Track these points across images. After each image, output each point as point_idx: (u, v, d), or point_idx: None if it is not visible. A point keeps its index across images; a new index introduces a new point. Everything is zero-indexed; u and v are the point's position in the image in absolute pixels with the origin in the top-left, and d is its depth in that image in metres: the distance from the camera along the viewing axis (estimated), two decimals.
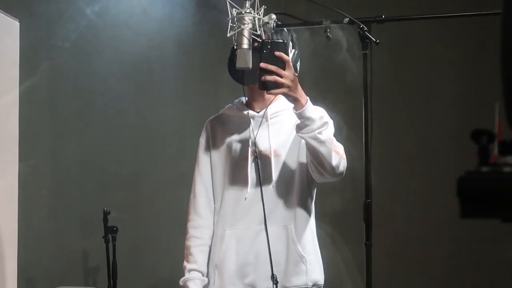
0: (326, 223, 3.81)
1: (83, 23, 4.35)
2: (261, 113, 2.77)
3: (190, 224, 2.81)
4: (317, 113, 2.56)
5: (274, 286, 2.68)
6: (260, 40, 2.52)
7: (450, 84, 4.57)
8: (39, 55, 4.33)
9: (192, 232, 2.80)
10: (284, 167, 2.73)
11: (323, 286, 2.80)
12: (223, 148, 2.79)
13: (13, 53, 2.85)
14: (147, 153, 4.59)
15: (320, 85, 4.07)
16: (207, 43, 4.49)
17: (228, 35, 2.49)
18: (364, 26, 2.53)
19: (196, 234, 2.79)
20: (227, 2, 2.48)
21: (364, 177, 2.51)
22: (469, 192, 1.26)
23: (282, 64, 2.52)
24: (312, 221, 2.78)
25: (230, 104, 2.86)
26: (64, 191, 4.46)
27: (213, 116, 2.87)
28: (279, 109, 2.77)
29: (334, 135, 2.67)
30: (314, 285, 2.75)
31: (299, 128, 2.56)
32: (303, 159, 2.72)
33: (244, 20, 2.47)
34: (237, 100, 2.85)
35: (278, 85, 2.50)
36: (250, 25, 2.48)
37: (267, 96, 2.78)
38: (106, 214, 3.98)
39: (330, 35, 2.59)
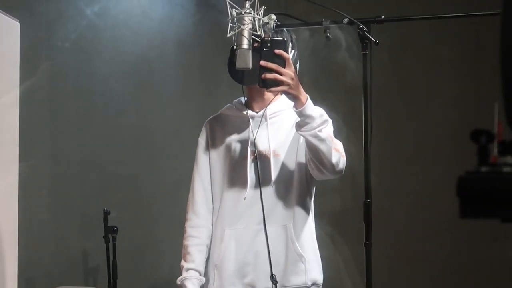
0: (325, 223, 3.81)
1: (83, 23, 4.35)
2: (260, 113, 2.77)
3: (188, 224, 2.81)
4: (317, 111, 2.56)
5: (274, 285, 2.68)
6: (260, 40, 2.53)
7: (449, 84, 4.57)
8: (39, 55, 4.33)
9: (190, 232, 2.80)
10: (283, 167, 2.73)
11: (322, 286, 2.81)
12: (222, 148, 2.79)
13: (13, 53, 2.85)
14: (147, 153, 4.59)
15: (320, 85, 4.07)
16: (207, 43, 4.49)
17: (228, 35, 2.49)
18: (364, 27, 2.53)
19: (194, 233, 2.79)
20: (227, 3, 2.49)
21: (364, 177, 2.52)
22: (468, 192, 1.27)
23: (282, 62, 2.52)
24: (311, 220, 2.79)
25: (229, 104, 2.87)
26: (64, 191, 4.46)
27: (212, 116, 2.88)
28: (278, 109, 2.78)
29: (334, 135, 2.67)
30: (313, 284, 2.75)
31: (299, 126, 2.56)
32: (302, 158, 2.72)
33: (244, 20, 2.47)
34: (236, 100, 2.85)
35: (278, 83, 2.50)
36: (250, 26, 2.48)
37: (266, 96, 2.78)
38: (106, 214, 3.99)
39: (330, 36, 2.59)
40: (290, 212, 2.72)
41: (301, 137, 2.70)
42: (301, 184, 2.73)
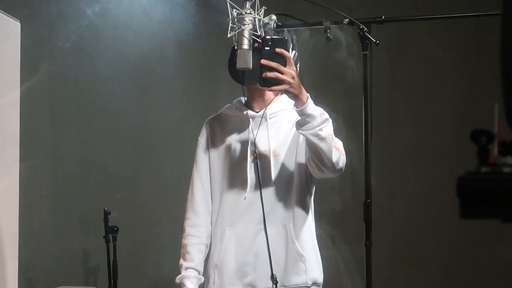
0: (326, 223, 3.82)
1: (84, 24, 4.35)
2: (260, 113, 2.78)
3: (187, 223, 2.81)
4: (318, 110, 2.56)
5: (274, 285, 2.69)
6: (261, 40, 2.53)
7: (449, 84, 4.58)
8: (40, 55, 4.33)
9: (189, 231, 2.80)
10: (283, 166, 2.74)
11: (322, 285, 2.81)
12: (222, 147, 2.79)
13: (14, 54, 2.85)
14: (147, 154, 4.60)
15: (320, 85, 4.08)
16: (207, 44, 4.49)
17: (229, 35, 2.50)
18: (364, 27, 2.53)
19: (193, 232, 2.79)
20: (228, 3, 2.49)
21: (364, 177, 2.52)
22: (468, 192, 1.27)
23: (283, 61, 2.52)
24: (311, 219, 2.79)
25: (229, 104, 2.87)
26: (64, 191, 4.47)
27: (212, 116, 2.88)
28: (278, 109, 2.78)
29: (334, 134, 2.67)
30: (313, 283, 2.75)
31: (299, 125, 2.56)
32: (302, 158, 2.73)
33: (245, 20, 2.48)
34: (236, 100, 2.85)
35: (279, 82, 2.50)
36: (251, 26, 2.48)
37: (266, 96, 2.79)
38: (106, 214, 3.99)
39: (330, 36, 2.59)
40: (290, 212, 2.72)
41: (301, 137, 2.70)
42: (301, 184, 2.74)
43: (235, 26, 2.49)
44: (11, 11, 2.82)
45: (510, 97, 1.29)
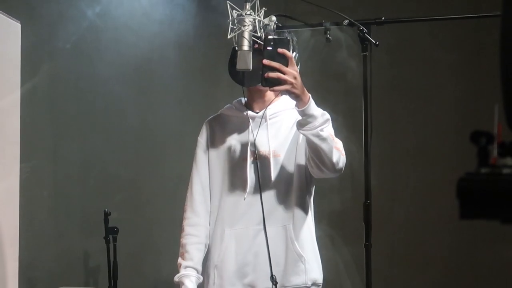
0: (325, 224, 3.82)
1: (84, 25, 4.36)
2: (260, 113, 2.78)
3: (186, 222, 2.81)
4: (319, 110, 2.57)
5: (273, 286, 2.69)
6: (262, 39, 2.53)
7: (449, 85, 4.58)
8: (41, 56, 4.34)
9: (188, 230, 2.80)
10: (283, 167, 2.74)
11: (322, 285, 2.82)
12: (222, 148, 2.80)
13: (14, 55, 2.86)
14: (148, 155, 4.60)
15: (320, 86, 4.08)
16: (207, 45, 4.50)
17: (229, 37, 2.50)
18: (364, 28, 2.54)
19: (193, 232, 2.79)
20: (228, 4, 2.50)
21: (364, 178, 2.52)
22: (468, 194, 1.27)
23: (285, 61, 2.51)
24: (311, 220, 2.79)
25: (229, 105, 2.87)
26: (65, 192, 4.47)
27: (212, 116, 2.88)
28: (278, 110, 2.78)
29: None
30: (313, 284, 2.76)
31: (300, 125, 2.56)
32: (301, 158, 2.73)
33: (245, 22, 2.48)
34: (236, 101, 2.86)
35: (281, 82, 2.50)
36: (251, 27, 2.49)
37: (266, 97, 2.79)
38: (106, 215, 3.99)
39: (330, 37, 2.59)
40: (290, 213, 2.73)
41: (300, 137, 2.70)
42: (301, 184, 2.74)
43: (235, 27, 2.49)
44: (11, 12, 2.83)
45: (510, 98, 1.29)
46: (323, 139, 2.55)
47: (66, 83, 4.48)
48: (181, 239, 2.81)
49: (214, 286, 2.76)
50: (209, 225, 2.81)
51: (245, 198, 2.73)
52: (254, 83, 2.66)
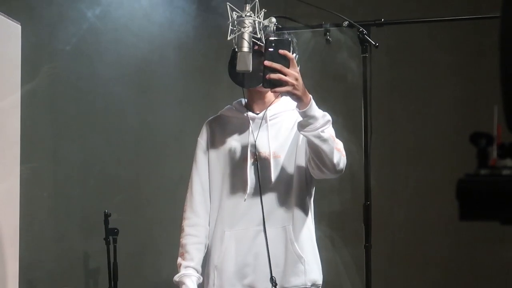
0: (325, 225, 3.82)
1: (84, 26, 4.36)
2: (261, 114, 2.78)
3: (186, 222, 2.81)
4: (320, 111, 2.57)
5: (273, 287, 2.69)
6: (262, 41, 2.53)
7: (449, 87, 4.58)
8: (41, 58, 4.34)
9: (188, 230, 2.80)
10: (283, 168, 2.74)
11: (322, 286, 2.82)
12: (222, 149, 2.80)
13: (14, 56, 2.86)
14: (148, 156, 4.60)
15: (320, 87, 4.09)
16: (207, 46, 4.50)
17: (229, 38, 2.50)
18: (364, 30, 2.54)
19: (193, 232, 2.79)
20: (228, 6, 2.50)
21: (364, 179, 2.52)
22: (468, 195, 1.27)
23: (286, 62, 2.51)
24: (311, 221, 2.80)
25: (229, 106, 2.87)
26: (65, 193, 4.47)
27: (212, 117, 2.88)
28: (278, 111, 2.78)
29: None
30: (312, 285, 2.76)
31: (301, 126, 2.57)
32: (301, 159, 2.73)
33: (245, 23, 2.49)
34: (236, 101, 2.86)
35: (282, 83, 2.50)
36: (251, 29, 2.49)
37: (266, 98, 2.80)
38: (107, 216, 3.98)
39: (330, 38, 2.59)
40: (290, 214, 2.73)
41: (300, 138, 2.71)
42: (301, 185, 2.74)
43: (235, 28, 2.50)
44: (12, 14, 2.83)
45: (509, 99, 1.29)
46: (324, 140, 2.55)
47: (66, 84, 4.48)
48: (181, 239, 2.81)
49: (214, 287, 2.76)
50: (209, 225, 2.81)
51: (245, 199, 2.73)
52: (254, 85, 2.66)
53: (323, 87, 4.20)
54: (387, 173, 4.45)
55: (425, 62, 4.58)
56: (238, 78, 2.67)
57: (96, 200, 4.40)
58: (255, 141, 2.75)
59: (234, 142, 2.78)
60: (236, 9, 2.50)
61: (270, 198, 2.73)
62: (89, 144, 4.49)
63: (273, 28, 2.57)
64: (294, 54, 2.71)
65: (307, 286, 2.75)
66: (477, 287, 4.47)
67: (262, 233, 2.72)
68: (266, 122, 2.76)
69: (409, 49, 4.58)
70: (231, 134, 2.80)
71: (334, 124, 2.69)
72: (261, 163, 2.73)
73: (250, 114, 2.78)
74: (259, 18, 2.52)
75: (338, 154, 2.60)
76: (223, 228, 2.76)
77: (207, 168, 2.82)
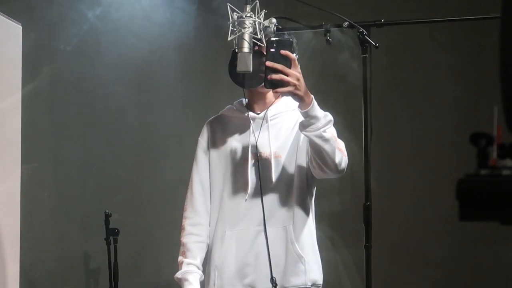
0: (325, 225, 3.82)
1: (85, 27, 4.36)
2: (261, 114, 2.79)
3: (188, 222, 2.81)
4: (322, 112, 2.57)
5: (273, 287, 2.70)
6: (263, 41, 2.53)
7: (449, 87, 4.59)
8: (41, 58, 4.34)
9: (190, 229, 2.79)
10: (284, 168, 2.75)
11: (322, 286, 2.82)
12: (222, 149, 2.80)
13: (15, 57, 2.86)
14: (148, 156, 4.60)
15: (320, 88, 4.09)
16: (208, 47, 4.50)
17: (229, 39, 2.51)
18: (364, 30, 2.54)
19: (195, 231, 2.79)
20: (228, 6, 2.50)
21: (364, 180, 2.53)
22: (468, 195, 1.28)
23: (288, 62, 2.52)
24: (311, 220, 2.80)
25: (230, 105, 2.88)
26: (66, 194, 4.47)
27: (213, 117, 2.89)
28: (278, 111, 2.79)
29: None
30: (313, 284, 2.76)
31: (303, 126, 2.57)
32: (302, 159, 2.74)
33: (245, 24, 2.49)
34: (237, 101, 2.86)
35: (284, 83, 2.50)
36: (251, 29, 2.49)
37: (267, 98, 2.80)
38: (107, 216, 3.98)
39: (330, 39, 2.60)
40: (290, 213, 2.73)
41: (301, 138, 2.71)
42: (301, 185, 2.75)
43: (235, 29, 2.50)
44: (12, 14, 2.84)
45: (509, 100, 1.30)
46: (326, 140, 2.55)
47: (67, 84, 4.49)
48: (181, 238, 2.81)
49: (215, 286, 2.76)
50: (209, 225, 2.82)
51: (246, 199, 2.74)
52: (255, 85, 2.67)
53: (323, 87, 4.20)
54: (387, 173, 4.45)
55: (425, 62, 4.58)
56: (238, 78, 2.67)
57: (97, 200, 4.40)
58: (256, 141, 2.75)
59: (235, 142, 2.79)
60: (237, 9, 2.50)
61: (271, 198, 2.73)
62: (90, 144, 4.49)
63: (274, 29, 2.57)
64: (294, 54, 2.71)
65: (307, 286, 2.75)
66: (477, 287, 4.47)
67: (263, 233, 2.72)
68: (267, 122, 2.77)
69: (409, 49, 4.58)
70: (232, 134, 2.80)
71: (334, 124, 2.69)
72: (262, 163, 2.73)
73: (251, 114, 2.79)
74: (260, 19, 2.52)
75: (340, 154, 2.60)
76: (224, 228, 2.76)
77: (207, 168, 2.82)
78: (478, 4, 4.07)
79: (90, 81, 4.48)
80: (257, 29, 2.51)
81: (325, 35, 2.59)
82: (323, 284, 2.82)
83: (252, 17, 2.50)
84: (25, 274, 3.65)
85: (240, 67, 2.49)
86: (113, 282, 4.01)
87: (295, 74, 2.50)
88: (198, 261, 2.76)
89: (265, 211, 2.71)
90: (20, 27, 2.87)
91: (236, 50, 2.52)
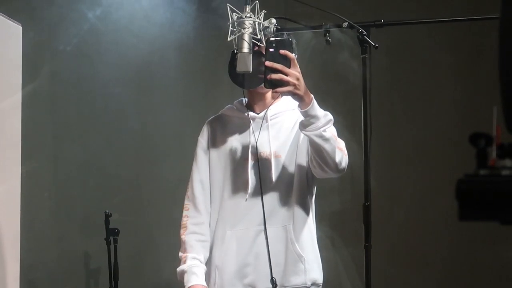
0: (325, 225, 3.83)
1: (85, 27, 4.37)
2: (261, 114, 2.79)
3: (191, 221, 2.80)
4: (322, 111, 2.57)
5: (273, 287, 2.70)
6: (262, 42, 2.53)
7: (448, 87, 4.59)
8: (42, 58, 4.34)
9: (193, 228, 2.79)
10: (284, 168, 2.75)
11: (322, 286, 2.82)
12: (222, 148, 2.80)
13: (15, 57, 2.87)
14: (148, 156, 4.61)
15: (320, 88, 4.09)
16: (207, 47, 4.50)
17: (229, 39, 2.51)
18: (363, 30, 2.54)
19: (198, 230, 2.79)
20: (228, 7, 2.51)
21: (364, 180, 2.53)
22: (467, 195, 1.28)
23: (287, 62, 2.52)
24: (311, 220, 2.80)
25: (230, 105, 2.88)
26: (66, 194, 4.47)
27: (213, 117, 2.89)
28: (278, 111, 2.79)
29: None
30: (313, 284, 2.77)
31: (303, 126, 2.57)
32: (302, 159, 2.74)
33: (245, 24, 2.49)
34: (237, 101, 2.87)
35: (283, 83, 2.51)
36: (251, 30, 2.50)
37: (267, 98, 2.80)
38: (107, 216, 3.99)
39: (330, 39, 2.60)
40: (290, 213, 2.74)
41: (301, 138, 2.72)
42: (301, 185, 2.75)
43: (235, 29, 2.50)
44: (12, 15, 2.84)
45: (509, 100, 1.30)
46: (326, 140, 2.55)
47: (67, 85, 4.49)
48: (182, 237, 2.79)
49: (215, 286, 2.76)
50: (209, 225, 2.82)
51: (246, 199, 2.74)
52: (254, 85, 2.67)
53: (323, 87, 4.20)
54: (387, 173, 4.45)
55: (425, 63, 4.59)
56: (238, 79, 2.67)
57: (97, 200, 4.40)
58: (256, 141, 2.75)
59: (235, 142, 2.79)
60: (236, 10, 2.51)
61: (271, 198, 2.73)
62: (90, 144, 4.50)
63: (273, 29, 2.57)
64: (294, 54, 2.71)
65: (307, 285, 2.75)
66: (477, 287, 4.47)
67: (263, 233, 2.73)
68: (266, 122, 2.77)
69: (408, 49, 4.58)
70: (232, 133, 2.81)
71: (334, 124, 2.69)
72: (262, 163, 2.74)
73: (251, 114, 2.79)
74: (259, 19, 2.52)
75: (340, 153, 2.61)
76: (224, 228, 2.77)
77: (207, 167, 2.82)
78: (477, 4, 4.07)
79: (90, 81, 4.48)
80: (257, 29, 2.51)
81: (325, 35, 2.59)
82: (323, 283, 2.82)
83: (251, 17, 2.50)
84: (25, 274, 3.65)
85: (239, 68, 2.50)
86: (113, 282, 4.02)
87: (294, 73, 2.51)
88: (202, 257, 2.76)
89: (265, 211, 2.71)
90: (20, 27, 2.87)
91: (236, 51, 2.52)
